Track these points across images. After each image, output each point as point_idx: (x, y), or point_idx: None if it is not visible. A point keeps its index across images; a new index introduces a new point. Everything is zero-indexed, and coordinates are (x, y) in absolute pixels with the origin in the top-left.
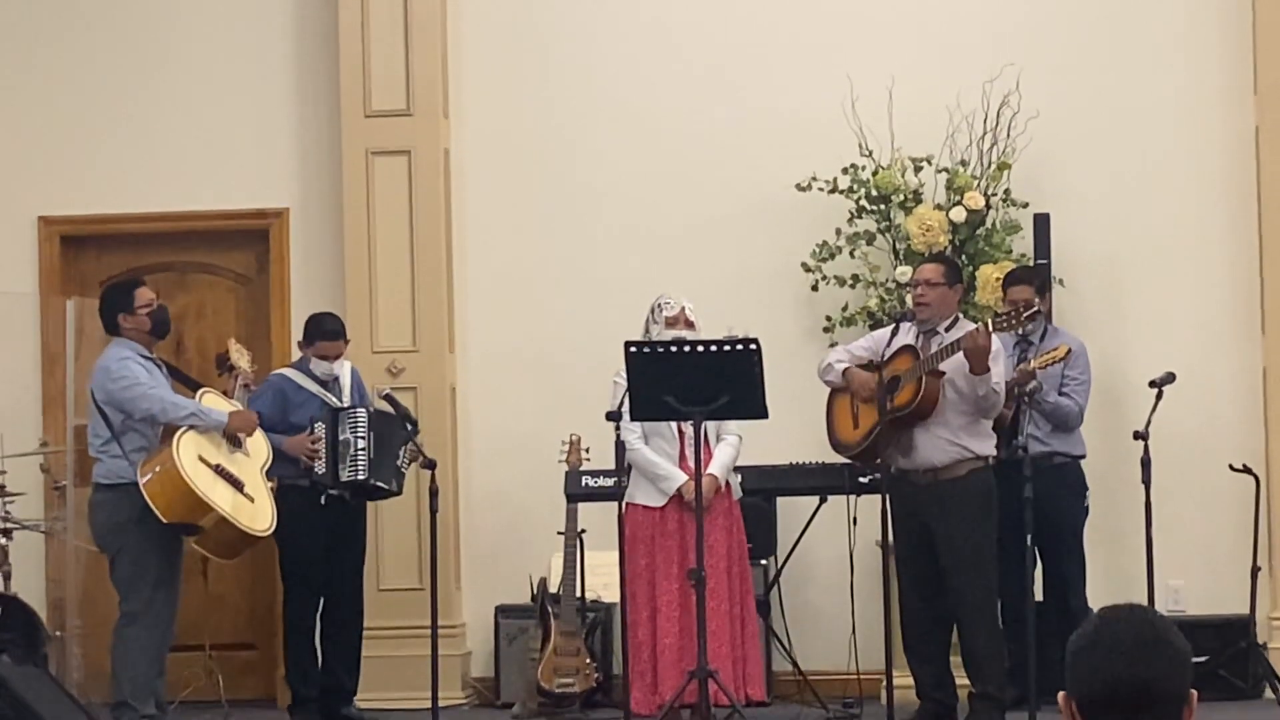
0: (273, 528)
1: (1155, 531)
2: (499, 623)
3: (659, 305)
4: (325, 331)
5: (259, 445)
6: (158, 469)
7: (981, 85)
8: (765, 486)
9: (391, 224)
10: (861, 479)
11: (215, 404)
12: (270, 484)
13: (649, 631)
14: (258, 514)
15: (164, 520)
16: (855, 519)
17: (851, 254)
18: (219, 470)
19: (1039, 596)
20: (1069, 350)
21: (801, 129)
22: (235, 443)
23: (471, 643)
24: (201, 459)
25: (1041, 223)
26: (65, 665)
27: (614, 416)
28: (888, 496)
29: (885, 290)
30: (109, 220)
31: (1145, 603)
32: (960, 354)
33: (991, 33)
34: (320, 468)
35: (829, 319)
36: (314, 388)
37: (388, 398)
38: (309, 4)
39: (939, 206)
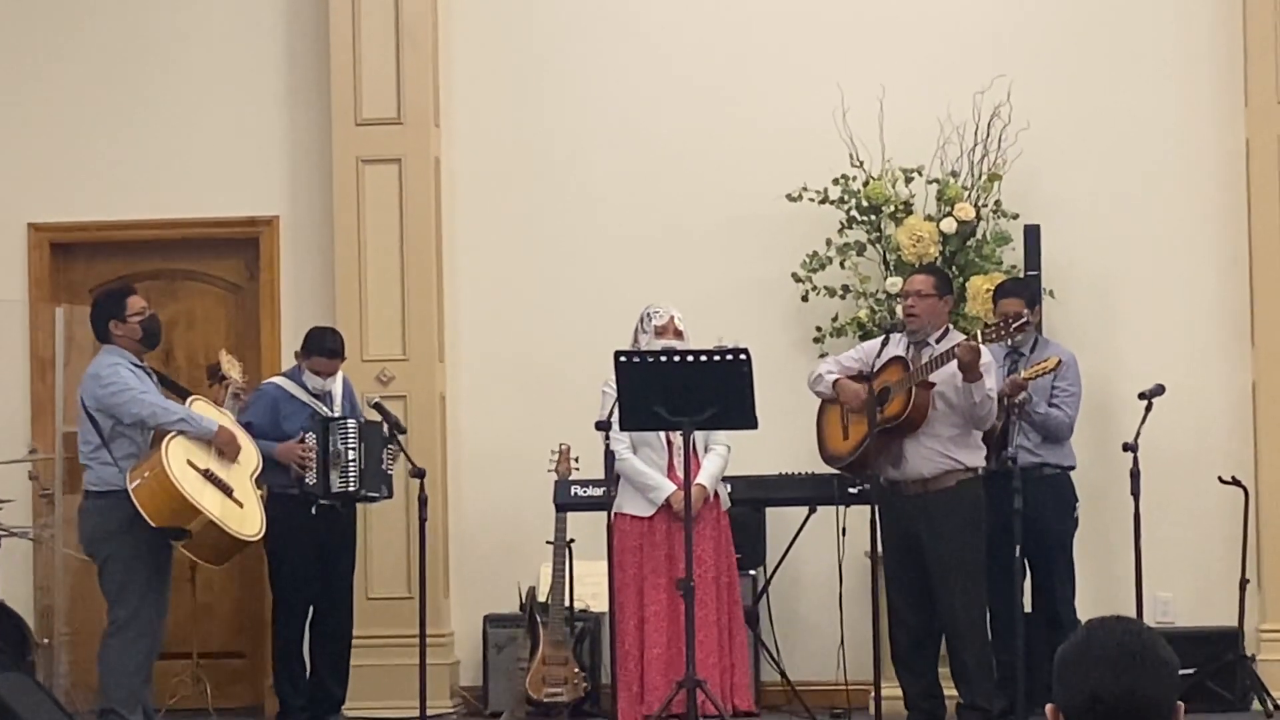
0: (262, 533)
1: (1144, 543)
2: (487, 632)
3: (648, 315)
4: (325, 349)
5: (249, 451)
6: (147, 474)
7: (972, 96)
8: (754, 497)
9: (382, 232)
10: (851, 490)
11: (206, 412)
12: (260, 492)
13: (637, 641)
14: (246, 519)
15: (152, 525)
16: (844, 529)
17: (842, 265)
18: (208, 475)
19: (1028, 608)
20: (1059, 361)
21: (792, 140)
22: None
23: (460, 652)
24: (190, 463)
25: (1032, 234)
26: (53, 673)
27: (603, 426)
28: (877, 507)
29: (875, 301)
30: (99, 227)
31: (1134, 614)
32: (951, 365)
33: (982, 44)
34: (311, 478)
35: (819, 329)
36: (305, 397)
37: (377, 406)
38: (300, 12)
39: (929, 217)
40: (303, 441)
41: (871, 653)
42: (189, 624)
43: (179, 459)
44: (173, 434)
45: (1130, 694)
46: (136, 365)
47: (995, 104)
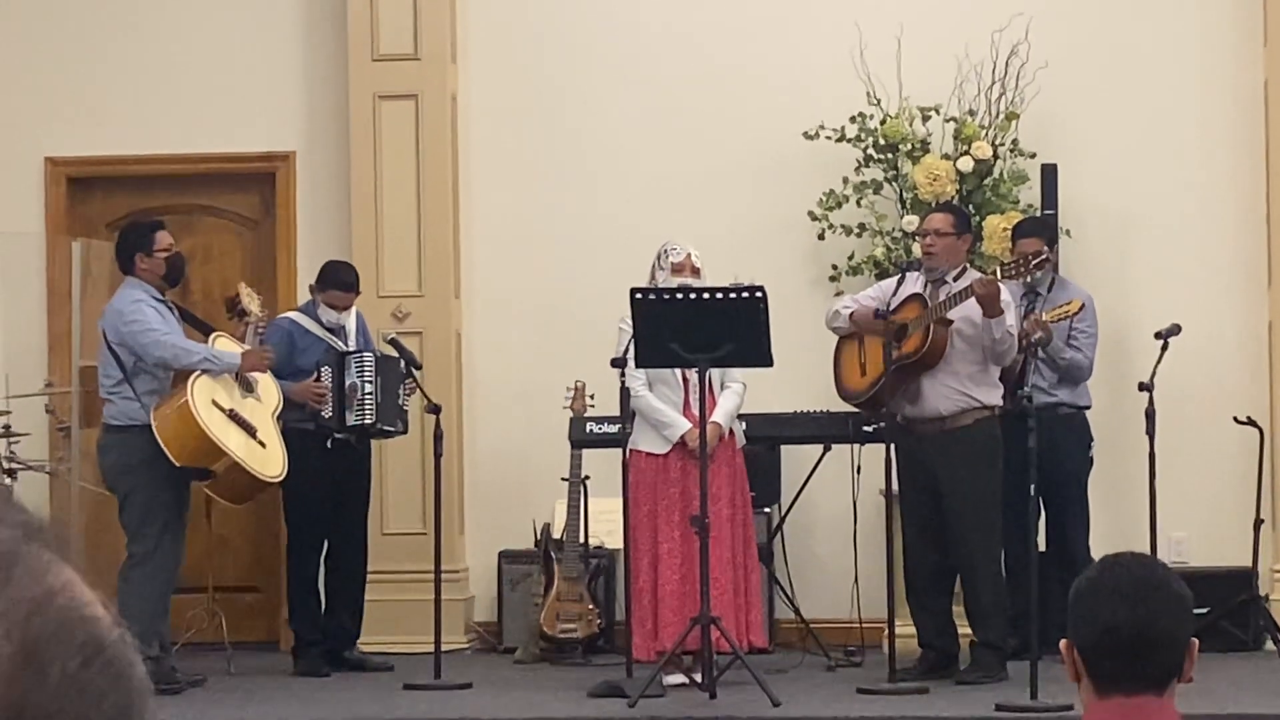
0: (284, 474)
1: (1159, 483)
2: (502, 568)
3: (665, 251)
4: (340, 282)
5: (270, 390)
6: (170, 412)
7: (990, 35)
8: (769, 434)
9: (398, 168)
10: (866, 428)
11: (227, 347)
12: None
13: (650, 578)
14: (269, 459)
15: (176, 464)
16: (859, 467)
17: (858, 203)
18: (232, 415)
19: (1042, 546)
20: (1082, 305)
21: (809, 78)
22: (247, 387)
23: (474, 588)
24: (215, 403)
25: (1049, 173)
26: None
27: (619, 363)
28: (893, 445)
29: (891, 239)
30: (116, 162)
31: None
32: (968, 303)
33: None
34: (327, 411)
35: (835, 268)
36: (320, 332)
37: (393, 342)
38: None
39: (946, 156)
40: (318, 380)
41: (886, 590)
42: (205, 558)
43: (204, 399)
44: (198, 373)
45: (1144, 626)
46: (159, 300)
47: (1013, 42)
